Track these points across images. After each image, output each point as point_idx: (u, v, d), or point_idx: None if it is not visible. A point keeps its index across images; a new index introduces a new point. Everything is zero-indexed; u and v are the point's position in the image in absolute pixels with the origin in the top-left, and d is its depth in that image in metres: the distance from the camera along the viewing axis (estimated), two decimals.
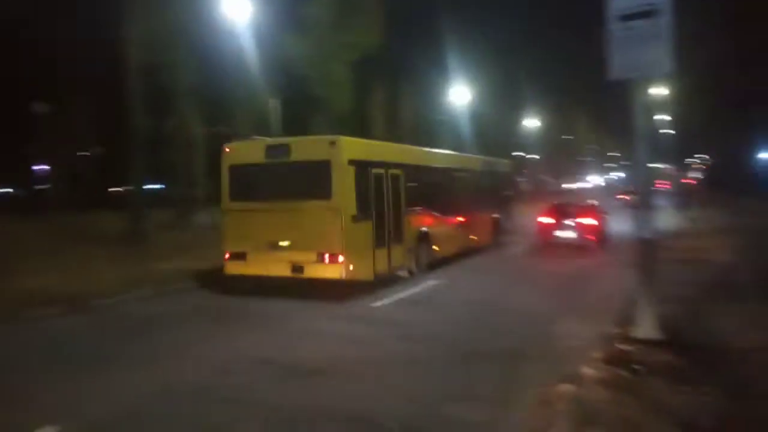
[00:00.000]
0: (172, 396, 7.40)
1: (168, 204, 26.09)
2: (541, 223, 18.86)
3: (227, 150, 12.61)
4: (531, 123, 53.58)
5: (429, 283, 13.59)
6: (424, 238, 13.96)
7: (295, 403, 7.16)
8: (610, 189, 68.37)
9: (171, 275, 14.49)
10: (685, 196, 34.20)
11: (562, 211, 18.98)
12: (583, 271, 14.99)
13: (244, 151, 12.45)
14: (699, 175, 74.52)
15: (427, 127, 39.91)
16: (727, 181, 44.43)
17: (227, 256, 12.38)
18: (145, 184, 21.29)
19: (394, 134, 43.54)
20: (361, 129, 35.88)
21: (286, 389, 7.55)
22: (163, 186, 28.47)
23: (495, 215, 18.98)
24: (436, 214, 14.58)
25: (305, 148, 11.95)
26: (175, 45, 22.32)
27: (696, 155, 69.57)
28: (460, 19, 35.75)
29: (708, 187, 60.00)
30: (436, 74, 37.21)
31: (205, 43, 22.20)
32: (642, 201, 8.51)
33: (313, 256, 11.42)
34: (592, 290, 12.90)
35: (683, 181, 45.16)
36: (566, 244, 18.12)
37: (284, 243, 11.51)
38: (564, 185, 77.23)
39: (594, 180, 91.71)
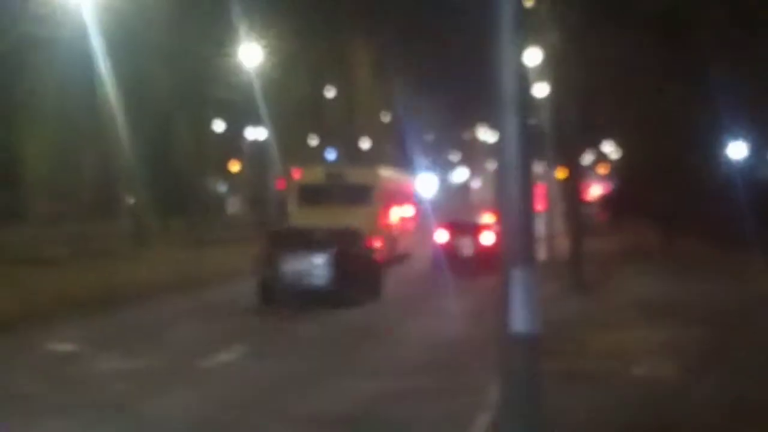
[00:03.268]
0: None
1: None
2: None
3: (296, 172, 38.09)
4: (248, 57, 52.04)
5: None
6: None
7: None
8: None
9: None
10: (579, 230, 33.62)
11: None
12: None
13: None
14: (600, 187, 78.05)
15: None
16: (658, 200, 45.57)
17: None
18: None
19: None
20: None
21: None
22: None
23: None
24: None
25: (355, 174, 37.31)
26: None
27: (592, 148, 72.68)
28: None
29: (614, 210, 62.42)
30: None
31: None
32: (515, 245, 8.37)
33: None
34: None
35: (585, 198, 45.56)
36: None
37: None
38: None
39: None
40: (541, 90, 40.26)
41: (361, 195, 35.02)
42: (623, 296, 25.50)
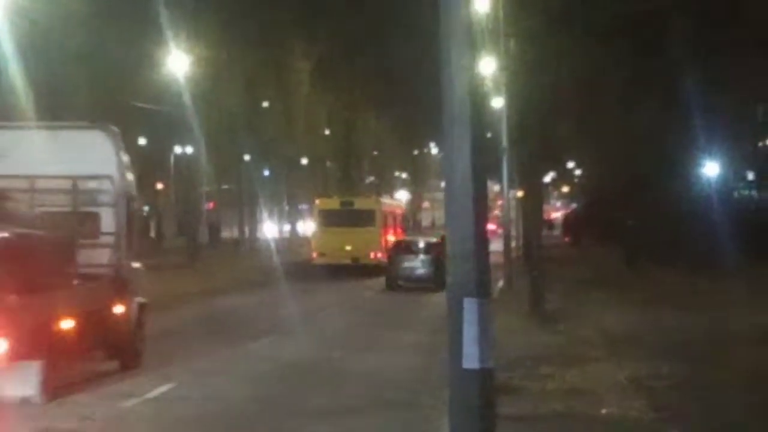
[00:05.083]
0: None
1: None
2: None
3: (318, 201, 57.06)
4: (176, 66, 51.57)
5: None
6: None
7: None
8: None
9: None
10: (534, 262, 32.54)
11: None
12: None
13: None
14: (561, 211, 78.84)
15: None
16: (626, 221, 45.81)
17: (316, 255, 52.21)
18: None
19: None
20: None
21: None
22: None
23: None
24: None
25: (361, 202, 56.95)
26: None
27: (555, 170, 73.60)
28: None
29: (578, 232, 62.95)
30: None
31: None
32: (467, 271, 8.32)
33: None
34: None
35: (546, 219, 47.37)
36: None
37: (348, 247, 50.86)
38: None
39: None
40: (496, 102, 40.42)
41: (366, 218, 49.99)
42: (588, 327, 25.67)
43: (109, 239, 19.33)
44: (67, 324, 16.88)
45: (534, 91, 32.57)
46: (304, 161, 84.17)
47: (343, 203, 53.80)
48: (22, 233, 16.23)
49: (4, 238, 15.59)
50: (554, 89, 33.71)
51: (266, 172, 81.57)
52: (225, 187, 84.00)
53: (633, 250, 44.16)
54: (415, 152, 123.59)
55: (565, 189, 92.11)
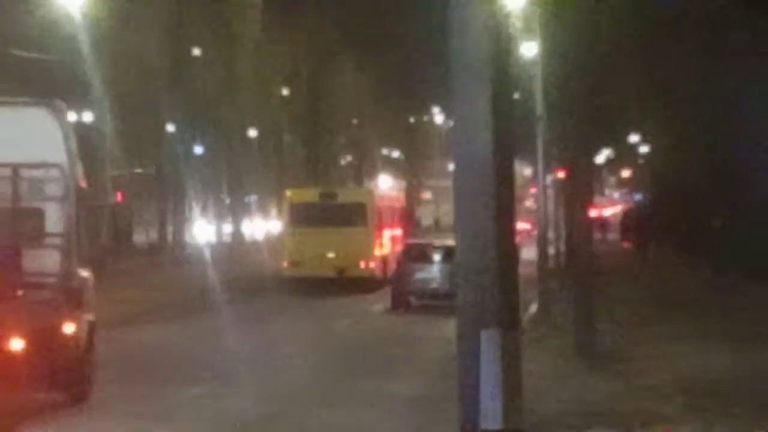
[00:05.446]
0: None
1: None
2: None
3: (288, 193, 61.59)
4: None
5: None
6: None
7: None
8: None
9: None
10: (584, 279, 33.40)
11: None
12: None
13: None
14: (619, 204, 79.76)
15: None
16: (713, 221, 45.97)
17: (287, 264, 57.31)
18: None
19: None
20: None
21: None
22: None
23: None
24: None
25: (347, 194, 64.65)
26: None
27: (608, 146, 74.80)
28: None
29: (642, 234, 63.63)
30: None
31: None
32: (486, 292, 8.38)
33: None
34: None
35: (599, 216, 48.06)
36: None
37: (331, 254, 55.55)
38: None
39: None
40: (528, 49, 40.53)
41: (355, 215, 53.27)
42: (658, 372, 25.77)
43: (56, 241, 21.33)
44: (11, 345, 18.72)
45: (582, 34, 32.69)
46: (253, 133, 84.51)
47: (322, 195, 56.57)
48: None
49: None
50: (611, 30, 33.84)
51: (198, 149, 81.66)
52: (139, 170, 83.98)
53: (723, 262, 44.36)
54: (412, 120, 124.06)
55: (626, 173, 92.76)
